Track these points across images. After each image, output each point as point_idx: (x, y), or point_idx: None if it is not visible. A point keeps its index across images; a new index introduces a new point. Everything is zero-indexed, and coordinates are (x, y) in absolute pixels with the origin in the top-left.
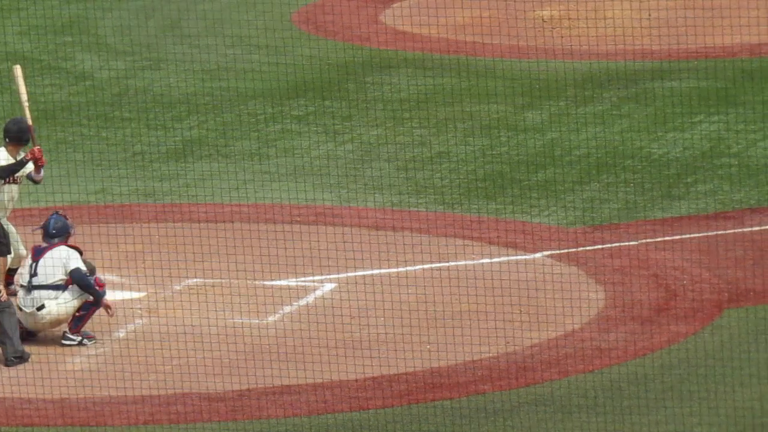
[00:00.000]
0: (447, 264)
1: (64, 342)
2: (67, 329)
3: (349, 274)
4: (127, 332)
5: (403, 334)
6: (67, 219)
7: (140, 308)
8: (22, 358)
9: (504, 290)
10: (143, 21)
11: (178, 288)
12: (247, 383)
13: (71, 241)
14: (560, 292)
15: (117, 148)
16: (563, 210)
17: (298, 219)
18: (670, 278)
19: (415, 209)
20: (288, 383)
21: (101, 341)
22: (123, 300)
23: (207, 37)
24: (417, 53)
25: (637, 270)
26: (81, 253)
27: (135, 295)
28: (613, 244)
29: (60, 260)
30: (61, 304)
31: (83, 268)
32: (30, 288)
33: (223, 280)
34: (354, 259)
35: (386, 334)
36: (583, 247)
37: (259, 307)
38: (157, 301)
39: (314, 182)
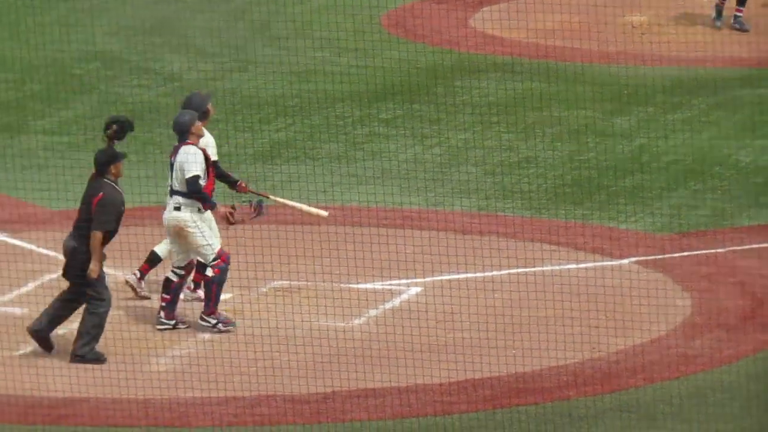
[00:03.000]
0: (533, 269)
1: (201, 323)
2: (202, 313)
3: (435, 278)
4: (212, 333)
5: (488, 338)
6: (185, 116)
7: (226, 310)
8: (98, 360)
9: (590, 296)
10: (233, 23)
11: (263, 290)
12: (331, 386)
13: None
14: (647, 299)
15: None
16: (651, 216)
17: (385, 222)
18: (757, 286)
19: (502, 213)
20: (373, 386)
21: (186, 342)
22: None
23: (296, 39)
24: (506, 57)
25: (723, 277)
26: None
27: (221, 296)
28: (700, 251)
29: (182, 163)
30: (182, 215)
31: (201, 173)
32: (171, 192)
33: (309, 283)
34: (440, 263)
35: (471, 338)
36: (670, 253)
37: (344, 310)
38: (242, 302)
39: (401, 185)
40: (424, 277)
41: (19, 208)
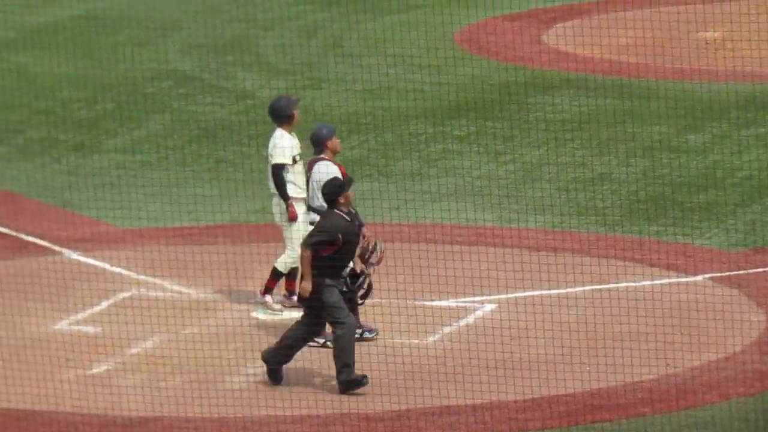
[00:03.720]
0: (607, 285)
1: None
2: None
3: (509, 295)
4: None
5: (563, 354)
6: (324, 129)
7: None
8: (360, 384)
9: (665, 312)
10: (305, 40)
11: None
12: (406, 403)
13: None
14: (721, 315)
15: None
16: (725, 232)
17: (459, 239)
18: None
19: (576, 230)
20: (447, 404)
21: (260, 360)
22: (282, 319)
23: (369, 56)
24: (579, 74)
25: None
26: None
27: (295, 314)
28: None
29: (318, 182)
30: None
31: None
32: (309, 208)
33: (383, 300)
34: (514, 279)
35: (546, 354)
36: (745, 269)
37: (418, 327)
38: None
39: (475, 202)
40: (498, 294)
41: (92, 227)
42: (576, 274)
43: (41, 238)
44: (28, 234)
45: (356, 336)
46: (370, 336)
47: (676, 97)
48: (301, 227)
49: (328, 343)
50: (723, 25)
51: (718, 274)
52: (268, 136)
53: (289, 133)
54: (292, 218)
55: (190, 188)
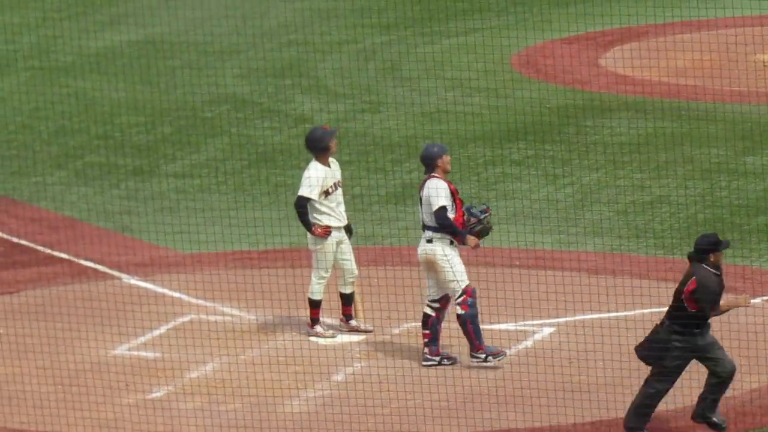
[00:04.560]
0: (666, 308)
1: (472, 362)
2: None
3: (568, 319)
4: (345, 375)
5: (622, 377)
6: (434, 148)
7: (359, 351)
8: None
9: (723, 334)
10: (363, 64)
11: (396, 331)
12: (465, 427)
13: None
14: None
15: None
16: None
17: (518, 263)
18: None
19: (635, 253)
20: (507, 426)
21: (319, 384)
22: (342, 343)
23: (427, 79)
24: (637, 97)
25: None
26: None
27: (354, 338)
28: None
29: (427, 198)
30: (434, 247)
31: (448, 204)
32: (423, 227)
33: (443, 323)
34: (573, 302)
35: (605, 377)
36: None
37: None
38: (375, 343)
39: (533, 226)
40: (557, 318)
41: (151, 251)
42: (635, 296)
43: (100, 263)
44: (87, 259)
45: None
46: (495, 360)
47: (734, 119)
48: (329, 256)
49: (490, 358)
50: None
51: None
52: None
53: (325, 164)
54: (319, 234)
55: (249, 212)
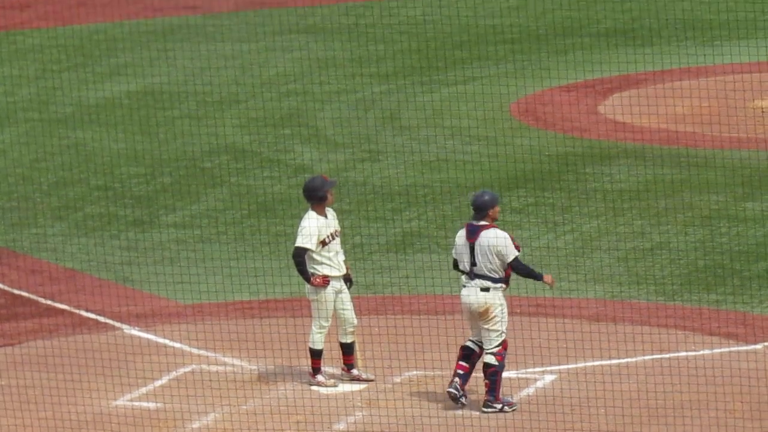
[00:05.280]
0: (667, 355)
1: (484, 410)
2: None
3: (570, 366)
4: (347, 424)
5: (624, 424)
6: (486, 196)
7: (360, 400)
8: None
9: (725, 380)
10: (362, 113)
11: (398, 380)
12: None
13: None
14: None
15: None
16: None
17: (518, 310)
18: None
19: (635, 300)
20: None
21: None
22: (343, 392)
23: (426, 128)
24: (636, 144)
25: None
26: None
27: (355, 387)
28: None
29: (494, 248)
30: (492, 297)
31: (520, 255)
32: (472, 276)
33: (444, 372)
34: (574, 349)
35: (607, 425)
36: None
37: (479, 398)
38: (377, 392)
39: None
40: (558, 365)
41: (152, 302)
42: (636, 343)
43: (101, 314)
44: (87, 310)
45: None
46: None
47: (733, 165)
48: (329, 305)
49: (506, 408)
50: None
51: None
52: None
53: (321, 214)
54: (317, 284)
55: (249, 262)
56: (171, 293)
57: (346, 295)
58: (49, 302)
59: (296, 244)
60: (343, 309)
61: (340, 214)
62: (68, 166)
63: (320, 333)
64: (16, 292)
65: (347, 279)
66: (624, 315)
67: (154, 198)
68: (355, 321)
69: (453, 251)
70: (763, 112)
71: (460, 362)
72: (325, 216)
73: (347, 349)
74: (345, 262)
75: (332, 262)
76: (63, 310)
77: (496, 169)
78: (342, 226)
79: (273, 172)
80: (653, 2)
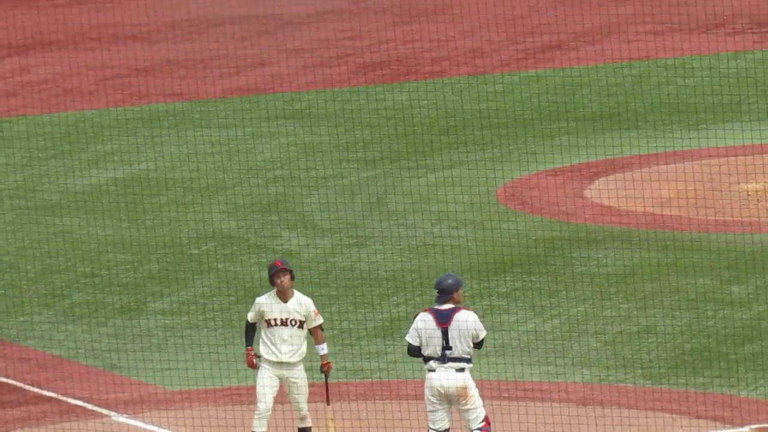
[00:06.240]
0: None
1: None
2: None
3: None
4: None
5: None
6: (449, 279)
7: None
8: None
9: None
10: (349, 198)
11: None
12: None
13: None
14: None
15: (324, 326)
16: None
17: (506, 395)
18: None
19: (623, 384)
20: None
21: None
22: None
23: (413, 213)
24: (622, 228)
25: None
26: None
27: None
28: None
29: (471, 330)
30: (468, 377)
31: None
32: (445, 359)
33: None
34: None
35: None
36: None
37: None
38: None
39: (521, 357)
40: None
41: (140, 389)
42: (623, 427)
43: (88, 401)
44: (75, 397)
45: None
46: None
47: (719, 249)
48: (261, 389)
49: None
50: (764, 177)
51: (765, 425)
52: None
53: (278, 295)
54: (247, 364)
55: (237, 348)
56: (159, 380)
57: (294, 385)
58: (36, 390)
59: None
60: (291, 394)
61: (327, 299)
62: (55, 253)
63: (257, 416)
64: (3, 379)
65: (321, 368)
66: (611, 399)
67: (141, 285)
68: (303, 409)
69: (412, 338)
70: (748, 195)
71: None
72: (284, 300)
73: None
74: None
75: (272, 346)
76: (50, 398)
77: (483, 253)
78: (322, 313)
79: (260, 258)
80: (639, 86)
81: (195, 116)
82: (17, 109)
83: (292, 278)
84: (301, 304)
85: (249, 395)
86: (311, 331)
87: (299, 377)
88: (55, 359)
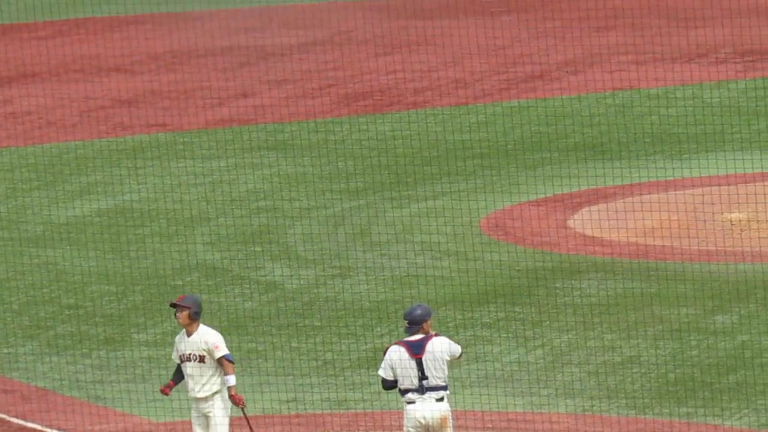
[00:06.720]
0: None
1: None
2: None
3: None
4: None
5: None
6: (418, 310)
7: None
8: None
9: None
10: (332, 229)
11: None
12: None
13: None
14: None
15: (307, 356)
16: (755, 412)
17: (490, 425)
18: None
19: (607, 414)
20: None
21: None
22: None
23: (396, 244)
24: (606, 258)
25: None
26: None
27: None
28: None
29: (446, 353)
30: (447, 406)
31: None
32: (423, 390)
33: None
34: None
35: None
36: None
37: None
38: None
39: (505, 388)
40: None
41: (124, 420)
42: None
43: None
44: (59, 429)
45: None
46: None
47: (703, 278)
48: (195, 427)
49: None
50: (748, 206)
51: None
52: None
53: (186, 331)
54: (161, 391)
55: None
56: (143, 411)
57: (212, 418)
58: (20, 422)
59: None
60: (210, 429)
61: (310, 330)
62: (39, 285)
63: None
64: None
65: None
66: (596, 429)
67: (125, 316)
68: None
69: (385, 372)
70: (732, 224)
71: None
72: (188, 336)
73: None
74: (202, 388)
75: (187, 382)
76: (35, 429)
77: (466, 284)
78: (305, 344)
79: (244, 289)
80: (622, 116)
81: (178, 147)
82: (0, 141)
83: (193, 315)
84: (201, 338)
85: (233, 426)
86: (219, 363)
87: (214, 413)
88: (39, 391)
